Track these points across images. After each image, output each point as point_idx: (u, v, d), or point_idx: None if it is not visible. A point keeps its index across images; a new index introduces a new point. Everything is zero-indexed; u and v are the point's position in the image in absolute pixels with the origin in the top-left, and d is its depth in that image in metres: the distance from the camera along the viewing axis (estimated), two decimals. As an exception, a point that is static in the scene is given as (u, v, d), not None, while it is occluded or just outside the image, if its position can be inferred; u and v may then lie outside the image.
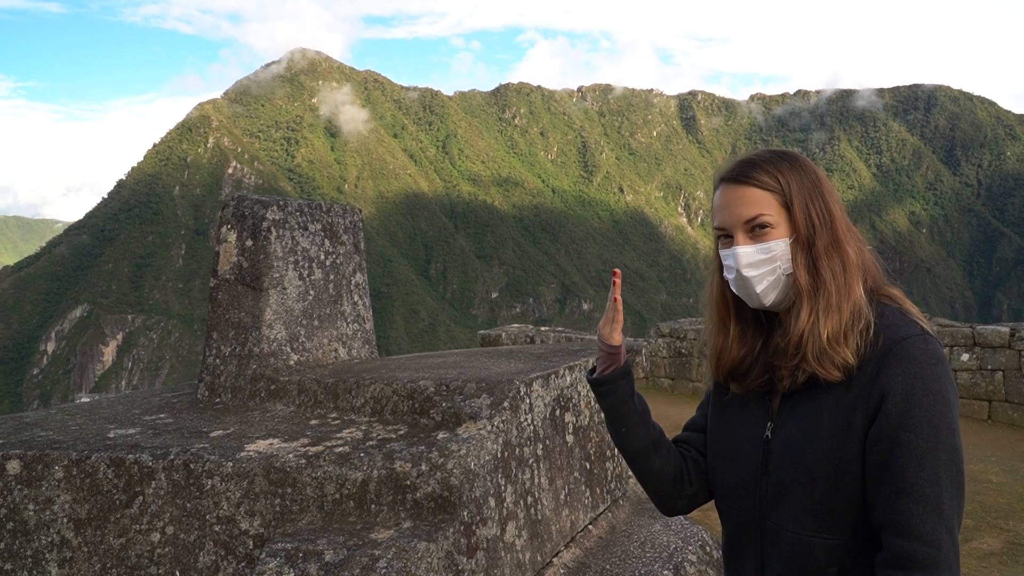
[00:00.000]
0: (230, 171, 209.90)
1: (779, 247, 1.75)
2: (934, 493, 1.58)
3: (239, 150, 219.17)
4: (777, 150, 1.85)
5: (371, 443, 2.63)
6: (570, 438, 3.19)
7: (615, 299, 1.91)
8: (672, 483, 1.99)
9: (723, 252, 1.83)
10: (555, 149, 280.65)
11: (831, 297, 1.71)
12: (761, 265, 1.76)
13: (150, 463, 2.60)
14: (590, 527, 3.28)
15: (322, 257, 3.46)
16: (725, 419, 1.94)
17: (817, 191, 1.78)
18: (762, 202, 1.76)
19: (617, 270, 1.91)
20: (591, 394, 3.43)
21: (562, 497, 3.05)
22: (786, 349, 1.75)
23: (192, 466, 2.57)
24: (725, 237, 1.82)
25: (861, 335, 1.69)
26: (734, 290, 1.84)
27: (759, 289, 1.77)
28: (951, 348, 12.18)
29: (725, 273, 1.85)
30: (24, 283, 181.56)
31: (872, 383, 1.65)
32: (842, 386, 1.69)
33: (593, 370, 2.00)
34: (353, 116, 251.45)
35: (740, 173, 1.80)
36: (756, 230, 1.77)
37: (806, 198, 1.77)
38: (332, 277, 3.51)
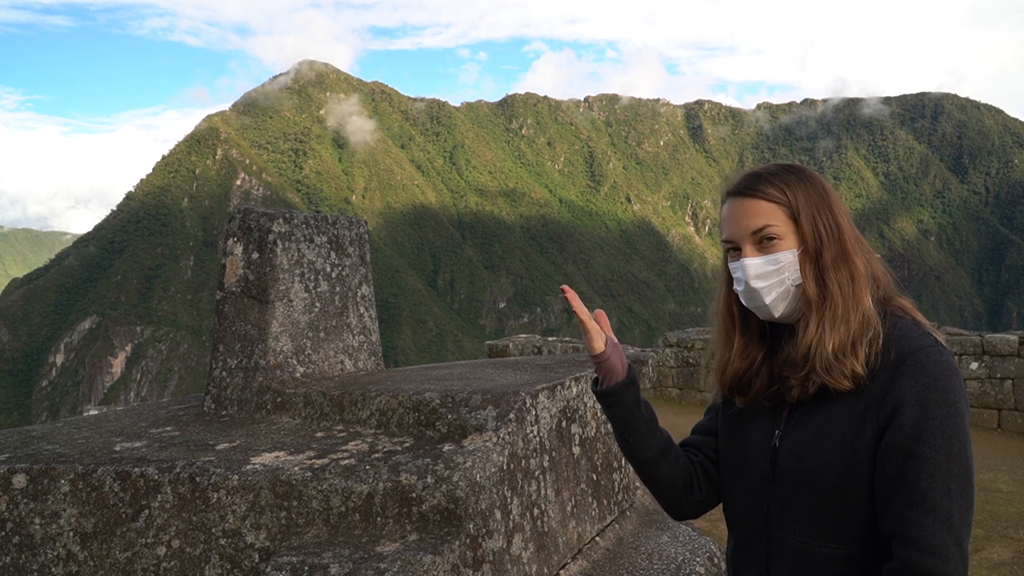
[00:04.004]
0: (238, 183, 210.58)
1: (787, 258, 1.76)
2: (945, 505, 1.58)
3: (247, 162, 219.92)
4: (783, 163, 1.86)
5: (377, 455, 2.63)
6: (576, 449, 3.18)
7: (575, 312, 1.91)
8: (682, 490, 1.99)
9: (732, 265, 1.84)
10: (562, 159, 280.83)
11: (838, 308, 1.72)
12: (770, 276, 1.76)
13: (156, 476, 2.60)
14: (597, 539, 3.26)
15: (328, 269, 3.46)
16: (735, 429, 1.94)
17: (824, 203, 1.79)
18: (769, 214, 1.77)
19: (564, 286, 1.90)
20: (597, 405, 3.43)
21: (568, 509, 3.04)
22: (795, 361, 1.76)
23: (198, 479, 2.57)
24: (733, 250, 1.83)
25: (870, 345, 1.69)
26: (744, 302, 1.84)
27: (768, 300, 1.77)
28: (960, 356, 12.13)
29: (735, 286, 1.85)
30: (33, 295, 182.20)
31: (884, 393, 1.65)
32: (852, 396, 1.69)
33: (598, 381, 1.98)
34: (360, 127, 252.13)
35: (746, 186, 1.81)
36: (764, 242, 1.77)
37: (813, 210, 1.77)
38: (338, 289, 3.51)
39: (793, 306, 1.79)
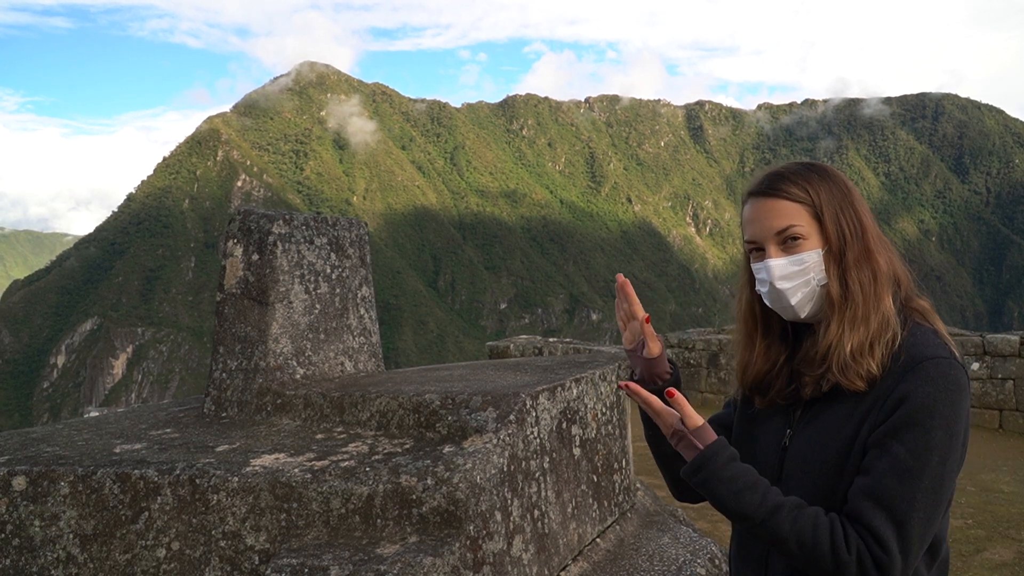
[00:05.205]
0: (239, 184, 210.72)
1: (812, 258, 1.75)
2: (902, 509, 1.57)
3: (248, 163, 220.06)
4: (805, 162, 1.85)
5: (377, 457, 2.62)
6: (577, 451, 3.18)
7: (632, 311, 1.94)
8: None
9: (755, 266, 1.82)
10: (563, 160, 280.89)
11: (858, 309, 1.71)
12: (795, 277, 1.75)
13: (156, 478, 2.59)
14: (598, 540, 3.26)
15: (328, 271, 3.46)
16: (751, 429, 1.95)
17: (847, 201, 1.78)
18: (792, 214, 1.76)
19: (619, 275, 1.93)
20: (598, 406, 3.42)
21: (569, 510, 3.04)
22: (813, 359, 1.75)
23: (198, 481, 2.57)
24: (757, 251, 1.82)
25: (886, 346, 1.68)
26: (768, 303, 1.82)
27: (794, 301, 1.76)
28: (961, 357, 12.12)
29: (758, 287, 1.84)
30: (34, 296, 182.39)
31: (887, 397, 1.64)
32: (857, 397, 1.69)
33: (633, 374, 2.01)
34: (361, 128, 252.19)
35: (769, 186, 1.79)
36: (788, 242, 1.76)
37: (836, 209, 1.76)
38: (338, 291, 3.51)
39: (819, 306, 1.77)
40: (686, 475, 1.74)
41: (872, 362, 1.67)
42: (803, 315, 1.78)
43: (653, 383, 1.94)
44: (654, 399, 1.79)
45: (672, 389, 1.78)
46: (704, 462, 1.71)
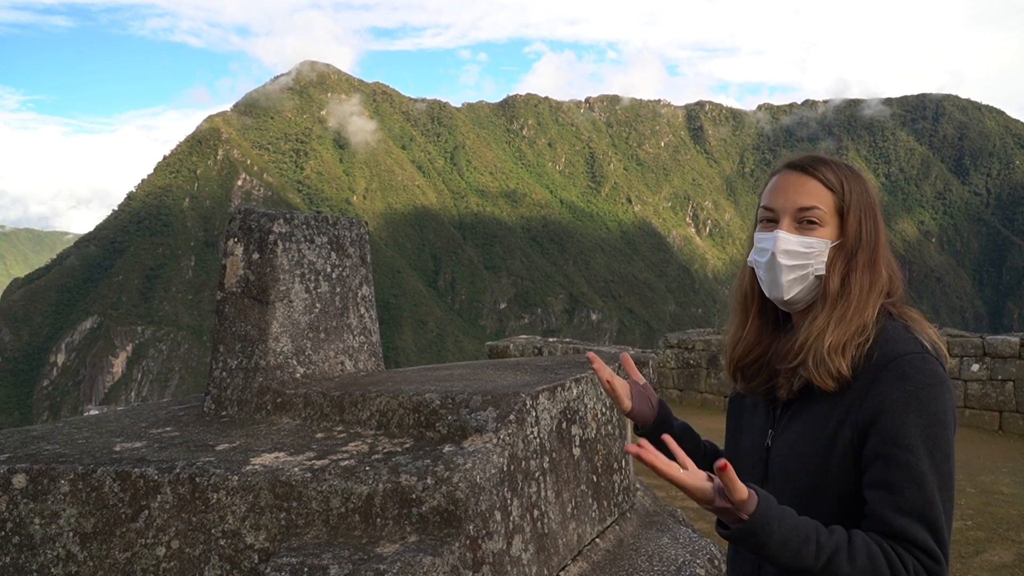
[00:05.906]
0: (239, 183, 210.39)
1: (819, 246, 1.76)
2: (931, 514, 1.58)
3: (248, 162, 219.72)
4: (847, 162, 1.86)
5: (377, 456, 2.63)
6: (576, 451, 3.18)
7: (600, 379, 1.98)
8: None
9: (761, 235, 1.83)
10: (563, 160, 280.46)
11: (849, 309, 1.72)
12: (796, 257, 1.76)
13: (156, 477, 2.59)
14: (597, 540, 3.26)
15: (328, 270, 3.46)
16: (738, 428, 1.97)
17: (871, 209, 1.80)
18: (821, 197, 1.77)
19: (590, 354, 1.98)
20: (598, 406, 3.43)
21: (569, 510, 3.04)
22: (788, 351, 1.76)
23: (198, 480, 2.57)
24: (769, 221, 1.82)
25: (858, 348, 1.70)
26: (759, 272, 1.83)
27: (784, 279, 1.77)
28: (961, 358, 12.10)
29: (754, 255, 1.84)
30: (34, 295, 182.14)
31: (864, 397, 1.66)
32: (835, 397, 1.70)
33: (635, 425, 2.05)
34: (361, 128, 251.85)
35: (809, 163, 1.81)
36: (804, 223, 1.77)
37: (861, 211, 1.78)
38: (338, 290, 3.51)
39: (804, 294, 1.79)
40: (731, 540, 1.59)
41: (843, 363, 1.69)
42: (786, 296, 1.79)
43: (643, 423, 1.99)
44: (678, 475, 1.53)
45: (725, 462, 1.47)
46: (754, 531, 1.53)
